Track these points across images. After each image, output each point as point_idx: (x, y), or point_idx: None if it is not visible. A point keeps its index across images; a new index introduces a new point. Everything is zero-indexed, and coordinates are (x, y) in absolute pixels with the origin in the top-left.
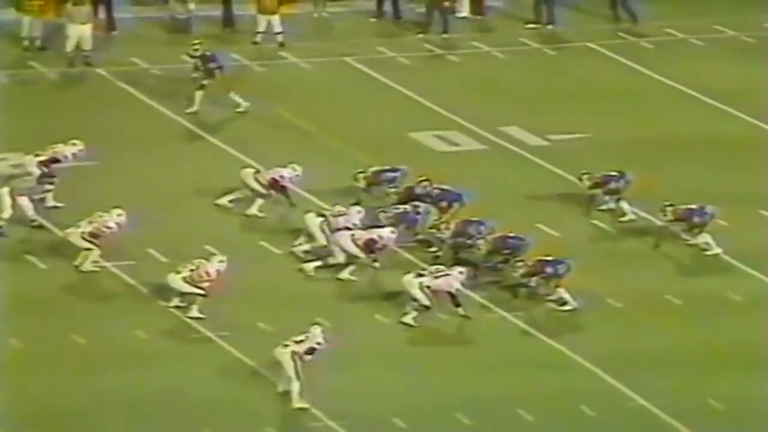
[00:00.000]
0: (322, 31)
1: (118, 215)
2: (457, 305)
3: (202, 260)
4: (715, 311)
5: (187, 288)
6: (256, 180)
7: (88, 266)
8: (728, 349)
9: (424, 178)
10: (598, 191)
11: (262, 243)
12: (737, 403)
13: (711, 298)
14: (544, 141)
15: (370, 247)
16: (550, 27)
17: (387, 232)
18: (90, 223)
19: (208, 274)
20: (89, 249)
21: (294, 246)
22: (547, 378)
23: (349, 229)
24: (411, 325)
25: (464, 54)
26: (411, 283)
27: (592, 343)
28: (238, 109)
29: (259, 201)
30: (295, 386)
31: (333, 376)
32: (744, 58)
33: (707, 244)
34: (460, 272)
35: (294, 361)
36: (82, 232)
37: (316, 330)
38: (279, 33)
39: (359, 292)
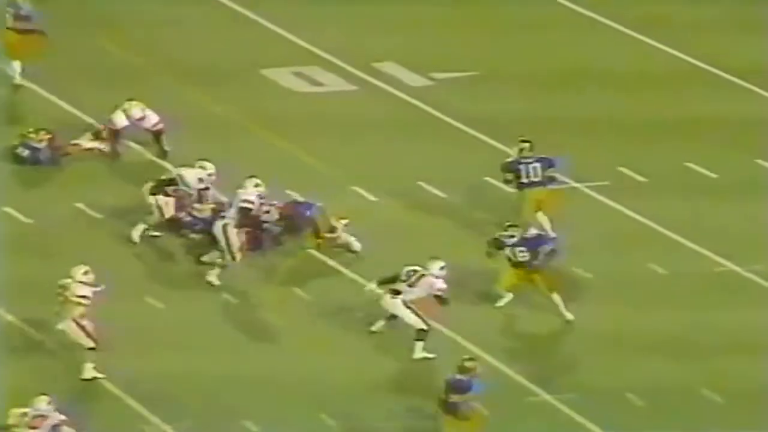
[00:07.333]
0: None
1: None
2: (446, 305)
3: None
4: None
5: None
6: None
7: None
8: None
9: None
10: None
11: None
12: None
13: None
14: (426, 80)
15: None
16: None
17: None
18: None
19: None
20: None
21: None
22: None
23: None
24: (429, 358)
25: None
26: (395, 305)
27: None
28: None
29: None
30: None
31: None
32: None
33: None
34: (441, 267)
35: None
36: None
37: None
38: None
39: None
